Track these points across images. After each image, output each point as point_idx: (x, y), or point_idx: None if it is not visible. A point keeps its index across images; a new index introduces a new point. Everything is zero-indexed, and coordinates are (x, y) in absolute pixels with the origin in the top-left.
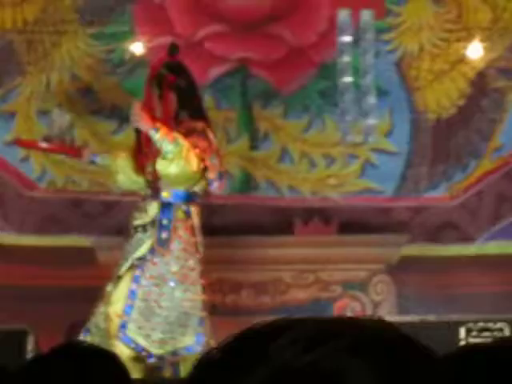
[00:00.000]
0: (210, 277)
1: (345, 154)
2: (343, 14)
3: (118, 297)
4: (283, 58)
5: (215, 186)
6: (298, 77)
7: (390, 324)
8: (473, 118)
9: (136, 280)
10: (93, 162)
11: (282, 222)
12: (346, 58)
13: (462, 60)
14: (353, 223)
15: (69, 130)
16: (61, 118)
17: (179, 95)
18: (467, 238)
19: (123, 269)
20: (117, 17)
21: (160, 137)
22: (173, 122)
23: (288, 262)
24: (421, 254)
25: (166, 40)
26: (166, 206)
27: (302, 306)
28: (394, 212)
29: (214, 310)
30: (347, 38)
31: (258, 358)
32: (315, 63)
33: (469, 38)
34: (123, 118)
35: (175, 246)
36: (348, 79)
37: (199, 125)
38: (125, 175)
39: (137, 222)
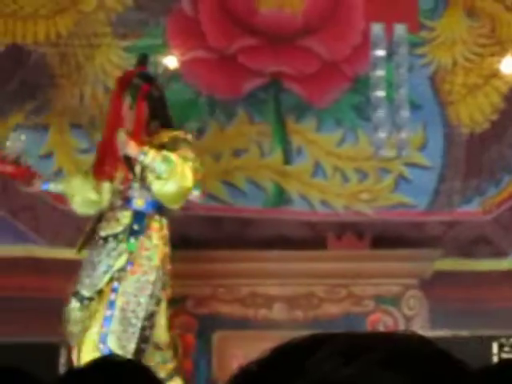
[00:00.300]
0: (243, 290)
1: (378, 169)
2: (377, 28)
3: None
4: (316, 71)
5: (196, 195)
6: (331, 91)
7: (424, 338)
8: (506, 132)
9: (115, 290)
10: (46, 190)
11: (314, 236)
12: (380, 72)
13: (496, 74)
14: (386, 237)
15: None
16: (18, 141)
17: (152, 105)
18: (500, 253)
19: (104, 281)
20: (150, 30)
21: (151, 160)
22: (145, 132)
23: (321, 277)
24: (454, 269)
25: (200, 53)
26: (138, 215)
27: (334, 321)
28: (428, 226)
29: (246, 324)
30: (381, 52)
31: (296, 372)
32: (348, 77)
33: (502, 53)
34: None
35: (155, 255)
36: (381, 93)
37: (181, 133)
38: (81, 197)
39: (106, 232)
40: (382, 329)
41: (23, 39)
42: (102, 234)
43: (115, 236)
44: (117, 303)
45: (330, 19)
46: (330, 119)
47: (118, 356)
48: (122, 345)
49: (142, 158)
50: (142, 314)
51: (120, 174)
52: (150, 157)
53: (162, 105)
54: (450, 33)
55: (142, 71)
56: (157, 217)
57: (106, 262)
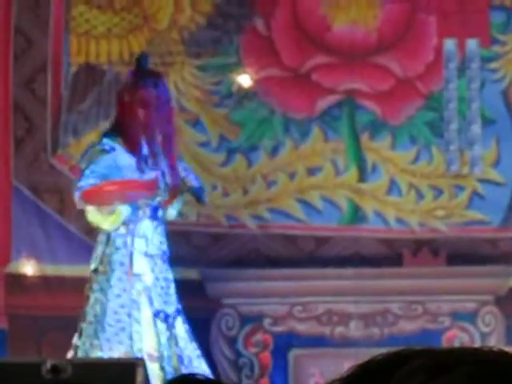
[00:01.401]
0: (319, 308)
1: (452, 185)
2: (449, 44)
3: None
4: (390, 88)
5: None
6: (406, 108)
7: (508, 353)
8: None
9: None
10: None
11: (390, 253)
12: (453, 88)
13: None
14: (461, 254)
15: None
16: None
17: None
18: None
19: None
20: (224, 48)
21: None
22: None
23: (396, 294)
24: None
25: (274, 72)
26: None
27: (410, 338)
28: (502, 243)
29: (322, 341)
30: (453, 68)
31: None
32: (422, 94)
33: None
34: (231, 149)
35: None
36: (454, 109)
37: None
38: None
39: (163, 249)
40: (457, 345)
41: (96, 58)
42: (164, 247)
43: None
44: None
45: (403, 36)
46: (405, 136)
47: (200, 375)
48: None
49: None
50: None
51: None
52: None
53: None
54: None
55: None
56: None
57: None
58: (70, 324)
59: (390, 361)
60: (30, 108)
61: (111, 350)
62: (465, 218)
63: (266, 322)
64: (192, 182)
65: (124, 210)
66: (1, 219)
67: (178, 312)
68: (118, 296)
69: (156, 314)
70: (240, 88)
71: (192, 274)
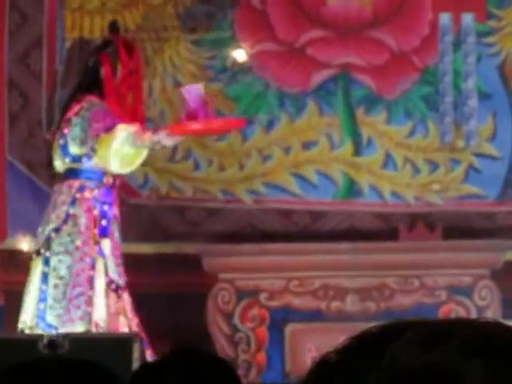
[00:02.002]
0: (315, 283)
1: (448, 159)
2: (444, 18)
3: None
4: (386, 62)
5: None
6: (401, 82)
7: (503, 324)
8: None
9: None
10: None
11: (386, 227)
12: (448, 61)
13: None
14: (457, 228)
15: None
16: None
17: None
18: None
19: None
20: (218, 23)
21: None
22: None
23: (393, 268)
24: None
25: (269, 46)
26: None
27: (406, 312)
28: (498, 216)
29: (319, 316)
30: (449, 42)
31: (375, 361)
32: (418, 68)
33: None
34: None
35: None
36: (449, 83)
37: None
38: None
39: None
40: None
41: (91, 33)
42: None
43: None
44: None
45: (398, 10)
46: (400, 110)
47: (193, 348)
48: None
49: None
50: None
51: None
52: None
53: None
54: None
55: None
56: None
57: None
58: None
59: (385, 333)
60: (25, 83)
61: (69, 313)
62: (461, 191)
63: (263, 296)
64: None
65: (143, 156)
66: None
67: (125, 284)
68: (81, 260)
69: (108, 284)
70: (235, 63)
71: (188, 248)
